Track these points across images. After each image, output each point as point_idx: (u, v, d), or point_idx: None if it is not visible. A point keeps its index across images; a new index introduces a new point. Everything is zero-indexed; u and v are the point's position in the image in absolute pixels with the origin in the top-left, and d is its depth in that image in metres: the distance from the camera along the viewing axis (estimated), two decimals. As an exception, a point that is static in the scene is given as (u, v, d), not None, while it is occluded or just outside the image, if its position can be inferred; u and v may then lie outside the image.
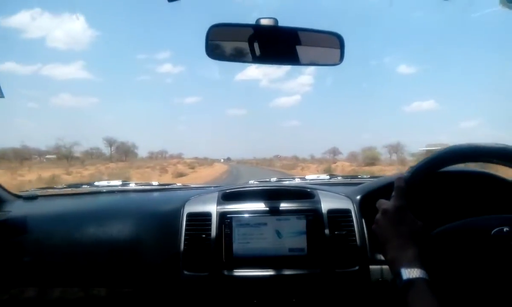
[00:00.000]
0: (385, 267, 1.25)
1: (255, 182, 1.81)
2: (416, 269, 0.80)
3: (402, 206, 0.91)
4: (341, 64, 1.16)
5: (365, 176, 1.90)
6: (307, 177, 1.95)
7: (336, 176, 1.96)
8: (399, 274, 0.81)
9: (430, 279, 0.79)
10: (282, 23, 1.12)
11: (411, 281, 0.78)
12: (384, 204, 0.94)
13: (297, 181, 1.86)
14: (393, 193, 0.94)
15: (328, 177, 1.91)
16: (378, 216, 0.94)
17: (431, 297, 0.76)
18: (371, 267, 1.26)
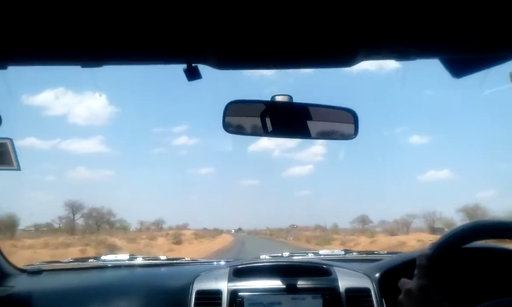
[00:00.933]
0: None
1: (266, 257, 1.74)
2: None
3: (426, 286, 0.86)
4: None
5: (382, 252, 1.82)
6: (320, 252, 1.88)
7: (351, 251, 1.89)
8: None
9: None
10: (296, 99, 1.16)
11: None
12: (407, 283, 0.89)
13: (310, 256, 1.79)
14: (416, 272, 0.89)
15: (343, 252, 1.84)
16: (401, 297, 0.89)
17: None
18: None
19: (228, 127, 1.13)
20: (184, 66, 0.80)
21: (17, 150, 1.32)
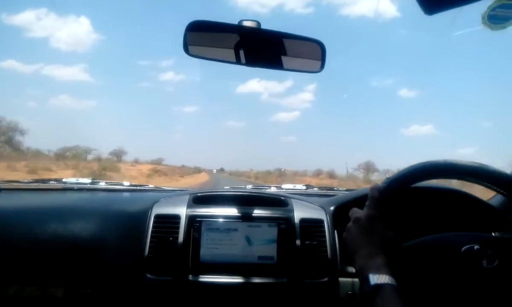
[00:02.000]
0: (355, 280, 1.23)
1: (229, 188, 1.77)
2: (384, 275, 0.79)
3: (374, 216, 0.90)
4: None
5: (341, 189, 1.89)
6: (283, 186, 1.93)
7: (313, 187, 1.94)
8: (367, 279, 0.79)
9: (398, 287, 0.78)
10: (265, 26, 1.11)
11: (378, 286, 0.77)
12: (357, 212, 0.93)
13: (273, 190, 1.84)
14: (367, 203, 0.93)
15: (304, 187, 1.90)
16: (350, 224, 0.93)
17: (399, 302, 0.75)
18: (341, 279, 1.24)
19: (190, 49, 1.08)
20: None
21: None
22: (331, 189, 1.93)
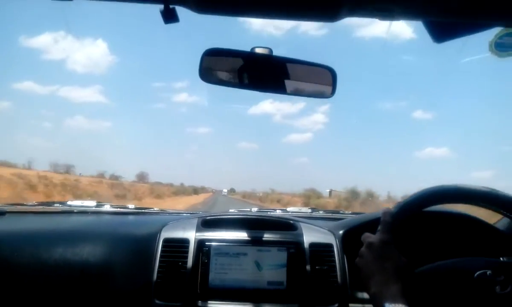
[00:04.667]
0: (366, 306, 1.22)
1: (235, 211, 1.77)
2: (400, 305, 0.78)
3: (388, 241, 0.90)
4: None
5: (347, 212, 1.89)
6: (288, 209, 1.92)
7: (318, 210, 1.94)
8: None
9: None
10: (277, 52, 1.14)
11: None
12: (370, 237, 0.93)
13: (278, 213, 1.83)
14: (379, 227, 0.93)
15: (310, 210, 1.89)
16: (363, 249, 0.93)
17: None
18: (351, 305, 1.23)
19: (204, 76, 1.09)
20: (161, 6, 0.76)
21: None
22: (337, 212, 1.92)
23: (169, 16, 0.78)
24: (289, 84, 1.17)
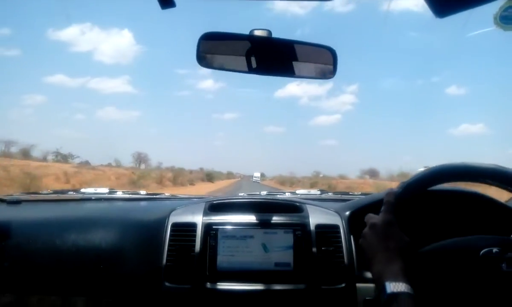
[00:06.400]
0: (373, 285, 1.23)
1: (244, 195, 1.78)
2: (400, 283, 0.79)
3: (391, 221, 0.90)
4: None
5: (356, 193, 1.88)
6: (297, 191, 1.93)
7: (327, 192, 1.94)
8: (383, 287, 0.79)
9: (415, 295, 0.78)
10: (275, 34, 1.12)
11: (394, 294, 0.77)
12: (373, 218, 0.93)
13: (287, 196, 1.84)
14: (382, 208, 0.93)
15: (319, 192, 1.89)
16: (366, 230, 0.93)
17: None
18: (358, 285, 1.24)
19: (202, 60, 1.10)
20: None
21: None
22: (346, 193, 1.92)
23: (166, 1, 0.78)
24: (290, 66, 1.16)
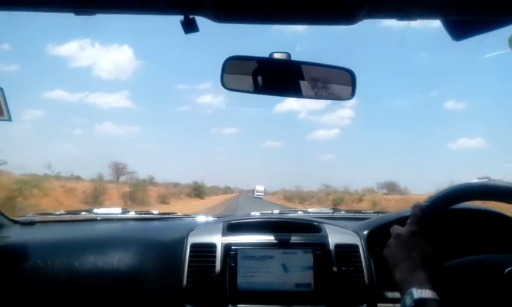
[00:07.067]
0: (395, 305, 1.22)
1: (257, 214, 1.78)
2: (428, 290, 0.78)
3: (416, 232, 0.91)
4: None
5: (368, 211, 1.89)
6: (309, 210, 1.93)
7: (339, 210, 1.94)
8: (410, 293, 0.79)
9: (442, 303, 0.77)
10: (295, 57, 1.15)
11: (422, 300, 0.77)
12: (398, 229, 0.94)
13: (300, 214, 1.84)
14: (408, 220, 0.94)
15: (331, 211, 1.90)
16: (391, 240, 0.93)
17: None
18: (380, 305, 1.23)
19: (227, 83, 1.12)
20: (181, 17, 0.78)
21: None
22: (359, 211, 1.92)
23: (189, 26, 0.80)
24: (308, 87, 1.18)
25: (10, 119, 1.32)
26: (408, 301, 0.79)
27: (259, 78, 1.15)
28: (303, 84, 1.18)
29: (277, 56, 1.13)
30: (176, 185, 44.53)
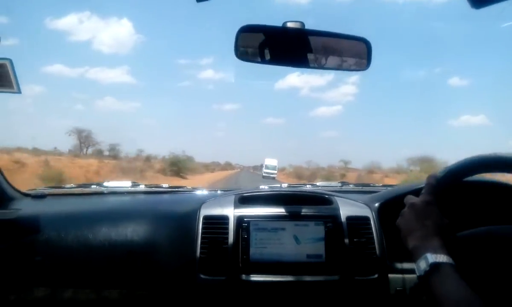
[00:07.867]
0: (405, 276, 1.24)
1: (266, 187, 1.79)
2: (442, 255, 0.78)
3: (431, 201, 0.90)
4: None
5: (377, 185, 1.89)
6: (318, 184, 1.94)
7: (348, 183, 1.95)
8: (425, 258, 0.78)
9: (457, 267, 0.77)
10: (309, 26, 1.12)
11: (437, 264, 0.77)
12: (412, 198, 0.93)
13: (309, 188, 1.84)
14: (423, 190, 0.93)
15: (339, 184, 1.90)
16: (405, 209, 0.93)
17: (459, 280, 0.74)
18: (390, 276, 1.25)
19: (240, 54, 1.10)
20: None
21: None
22: (367, 185, 1.92)
23: None
24: (322, 58, 1.16)
25: (19, 92, 1.31)
26: (423, 265, 0.79)
27: (272, 48, 1.13)
28: (317, 55, 1.15)
29: (290, 25, 1.10)
30: (148, 158, 35.28)
